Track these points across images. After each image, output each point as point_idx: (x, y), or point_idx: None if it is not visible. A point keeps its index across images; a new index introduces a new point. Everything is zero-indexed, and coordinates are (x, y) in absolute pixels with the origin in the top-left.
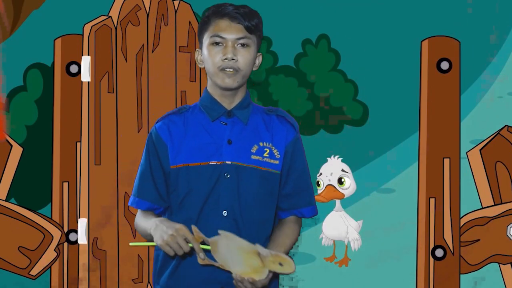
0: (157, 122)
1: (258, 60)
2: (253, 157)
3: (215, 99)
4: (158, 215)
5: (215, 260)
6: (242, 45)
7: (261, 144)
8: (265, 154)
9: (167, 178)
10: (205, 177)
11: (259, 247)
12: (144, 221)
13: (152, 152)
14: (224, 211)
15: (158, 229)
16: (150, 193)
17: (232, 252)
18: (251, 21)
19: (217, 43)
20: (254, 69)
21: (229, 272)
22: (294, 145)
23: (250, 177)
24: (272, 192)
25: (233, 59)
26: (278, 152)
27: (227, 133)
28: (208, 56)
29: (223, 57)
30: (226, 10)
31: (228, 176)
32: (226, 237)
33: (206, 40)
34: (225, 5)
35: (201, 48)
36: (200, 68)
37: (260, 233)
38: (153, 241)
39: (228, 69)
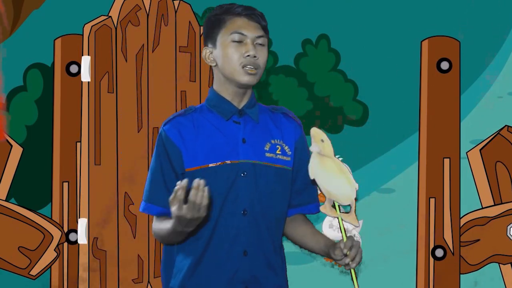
0: (164, 125)
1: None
2: (267, 154)
3: (225, 98)
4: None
5: None
6: (260, 44)
7: (272, 141)
8: (277, 151)
9: (180, 180)
10: (223, 177)
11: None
12: (164, 224)
13: (163, 155)
14: (244, 210)
15: (177, 222)
16: (162, 197)
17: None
18: (264, 21)
19: (237, 41)
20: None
21: None
22: (301, 142)
23: (266, 174)
24: (287, 189)
25: (255, 56)
26: (289, 149)
27: (241, 132)
28: (227, 53)
29: (245, 54)
30: (240, 9)
31: (246, 174)
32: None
33: (222, 37)
34: (234, 5)
35: (212, 46)
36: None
37: (278, 230)
38: (176, 241)
39: (249, 66)
